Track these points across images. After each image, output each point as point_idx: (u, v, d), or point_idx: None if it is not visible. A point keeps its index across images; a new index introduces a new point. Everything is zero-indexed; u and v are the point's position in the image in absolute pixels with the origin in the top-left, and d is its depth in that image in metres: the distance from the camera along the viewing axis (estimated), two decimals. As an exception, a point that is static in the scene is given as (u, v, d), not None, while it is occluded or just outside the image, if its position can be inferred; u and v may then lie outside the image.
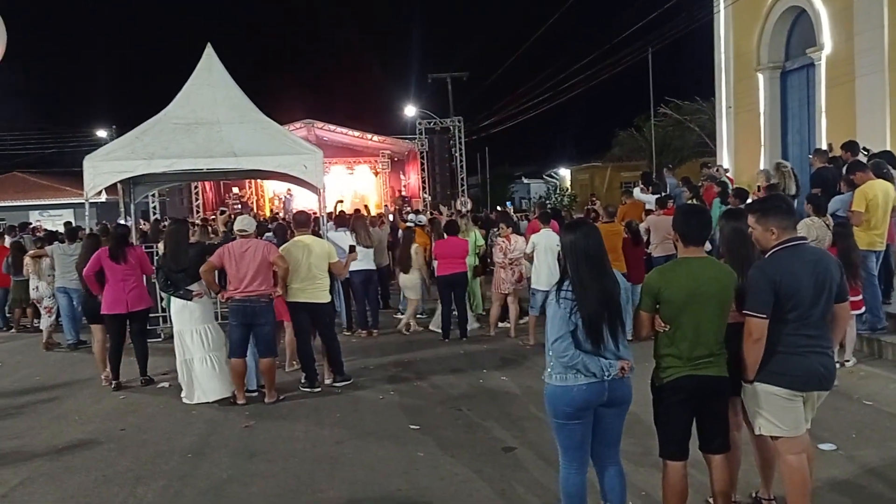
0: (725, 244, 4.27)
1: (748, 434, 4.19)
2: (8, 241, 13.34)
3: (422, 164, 25.68)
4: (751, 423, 3.98)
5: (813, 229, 7.56)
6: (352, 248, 8.70)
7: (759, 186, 10.68)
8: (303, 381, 7.64)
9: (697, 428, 3.91)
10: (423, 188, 25.50)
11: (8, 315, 12.92)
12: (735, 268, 3.91)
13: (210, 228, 13.08)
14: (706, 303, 3.72)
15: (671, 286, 3.75)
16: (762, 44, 15.48)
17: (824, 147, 11.57)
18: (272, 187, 27.02)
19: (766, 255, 3.85)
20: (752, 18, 15.57)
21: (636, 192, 13.61)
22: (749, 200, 8.95)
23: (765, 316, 3.69)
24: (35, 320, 12.08)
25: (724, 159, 16.87)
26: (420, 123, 26.14)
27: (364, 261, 10.40)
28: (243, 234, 7.24)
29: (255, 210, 25.07)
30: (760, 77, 15.65)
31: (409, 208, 20.09)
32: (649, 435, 4.43)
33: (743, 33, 16.09)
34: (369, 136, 26.04)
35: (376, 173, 27.84)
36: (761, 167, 14.15)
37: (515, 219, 17.34)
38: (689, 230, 3.84)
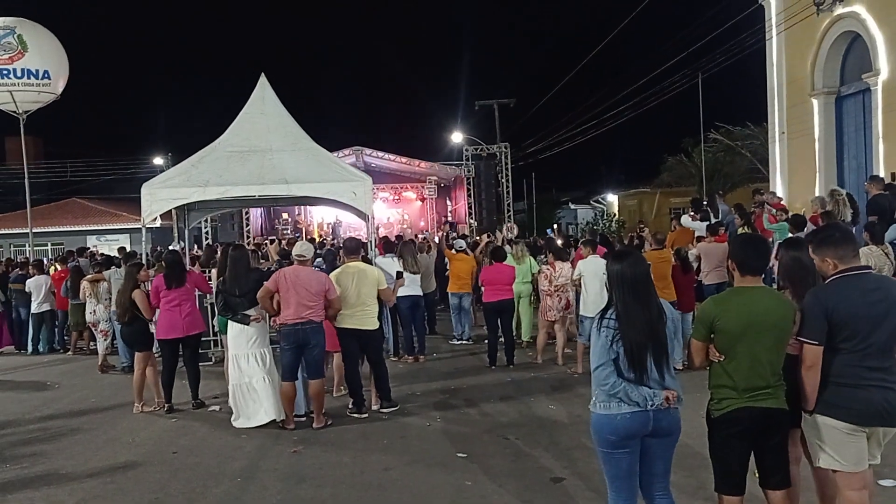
0: (784, 273, 4.18)
1: (808, 468, 4.06)
2: (68, 265, 13.74)
3: (468, 189, 25.76)
4: (811, 456, 3.87)
5: (871, 258, 7.37)
6: (399, 275, 8.75)
7: (815, 212, 10.47)
8: (350, 406, 7.67)
9: (756, 463, 3.81)
10: (470, 214, 25.55)
11: (65, 338, 13.27)
12: (795, 297, 3.83)
13: (260, 254, 13.29)
14: (763, 333, 3.64)
15: (726, 316, 3.68)
16: (816, 69, 15.26)
17: (882, 174, 11.30)
18: (320, 213, 27.39)
19: (825, 282, 3.77)
20: (806, 43, 15.37)
21: (685, 218, 13.45)
22: (806, 228, 8.77)
23: (817, 343, 3.61)
24: (91, 343, 12.38)
25: (777, 185, 16.59)
26: (466, 150, 26.27)
27: (411, 286, 10.45)
28: (301, 259, 7.33)
29: (304, 236, 25.41)
30: (815, 102, 15.40)
31: (455, 234, 20.13)
32: (703, 468, 4.33)
33: (796, 58, 15.89)
34: (416, 162, 26.28)
35: (423, 199, 28.03)
36: (816, 193, 13.89)
37: (562, 244, 17.26)
38: (746, 259, 3.78)
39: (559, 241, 13.80)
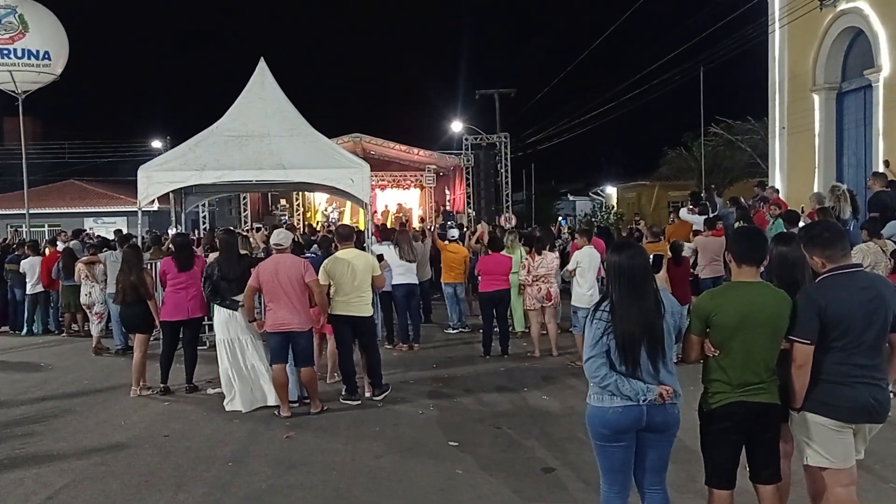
0: (773, 269, 4.16)
1: (798, 463, 4.06)
2: (60, 246, 13.70)
3: (467, 179, 25.69)
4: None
5: (868, 255, 7.36)
6: (380, 257, 8.58)
7: (813, 209, 10.44)
8: (343, 392, 7.66)
9: (748, 457, 3.80)
10: (468, 203, 25.48)
11: (59, 319, 13.24)
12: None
13: (251, 241, 13.21)
14: (758, 328, 3.62)
15: (722, 310, 3.66)
16: (818, 64, 15.20)
17: (882, 170, 11.28)
18: (322, 200, 27.34)
19: (816, 281, 3.75)
20: (808, 38, 15.31)
21: (683, 212, 13.43)
22: (801, 224, 8.76)
23: (809, 342, 3.60)
24: (85, 325, 12.35)
25: (777, 180, 16.58)
26: (466, 139, 26.16)
27: (406, 275, 10.44)
28: (279, 248, 7.28)
29: (301, 223, 25.36)
30: (816, 98, 15.35)
31: (451, 223, 20.07)
32: (694, 461, 4.33)
33: (798, 53, 15.83)
34: (416, 150, 26.18)
35: (421, 188, 27.97)
36: (815, 189, 13.87)
37: (562, 235, 17.22)
38: (742, 251, 3.76)
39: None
